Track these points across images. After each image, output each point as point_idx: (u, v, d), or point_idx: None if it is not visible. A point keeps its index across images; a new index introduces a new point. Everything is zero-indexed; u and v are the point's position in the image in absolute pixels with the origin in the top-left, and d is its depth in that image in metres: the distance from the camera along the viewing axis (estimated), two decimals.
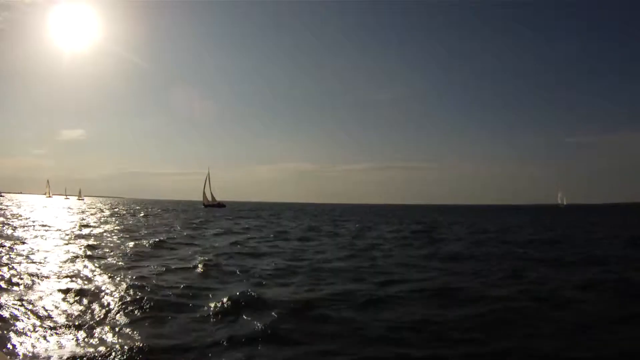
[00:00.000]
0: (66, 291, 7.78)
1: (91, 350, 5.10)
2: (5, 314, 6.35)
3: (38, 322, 6.04)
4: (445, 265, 12.25)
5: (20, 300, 7.07)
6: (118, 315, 6.58)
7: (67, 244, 15.07)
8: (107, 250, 13.88)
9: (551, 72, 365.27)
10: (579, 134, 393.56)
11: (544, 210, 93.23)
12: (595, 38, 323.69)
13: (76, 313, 6.66)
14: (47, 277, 9.11)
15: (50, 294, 7.67)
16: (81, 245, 14.49)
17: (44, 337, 5.49)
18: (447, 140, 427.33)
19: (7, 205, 58.14)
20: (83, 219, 31.25)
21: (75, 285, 8.31)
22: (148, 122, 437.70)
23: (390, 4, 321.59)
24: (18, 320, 6.12)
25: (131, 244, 15.65)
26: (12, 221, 26.26)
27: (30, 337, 5.49)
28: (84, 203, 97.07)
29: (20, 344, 5.21)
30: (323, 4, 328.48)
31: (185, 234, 21.55)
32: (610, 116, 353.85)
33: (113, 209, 60.38)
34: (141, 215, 41.84)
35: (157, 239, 17.12)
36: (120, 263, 11.51)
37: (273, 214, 53.27)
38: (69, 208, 57.40)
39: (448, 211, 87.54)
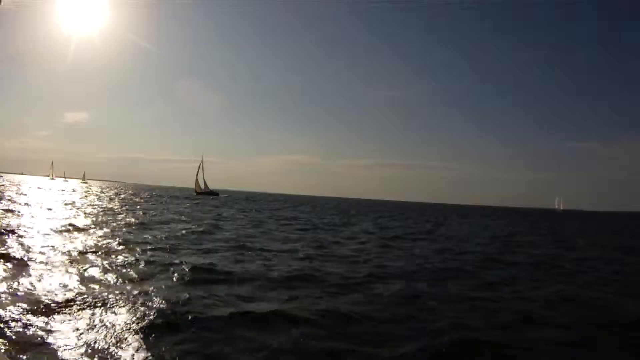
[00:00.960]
0: None
1: None
2: None
3: None
4: None
5: None
6: None
7: None
8: None
9: (554, 77, 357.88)
10: (580, 140, 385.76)
11: (539, 215, 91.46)
12: (598, 44, 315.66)
13: None
14: None
15: None
16: None
17: None
18: (448, 141, 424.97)
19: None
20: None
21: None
22: (152, 108, 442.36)
23: (394, 4, 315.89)
24: None
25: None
26: None
27: None
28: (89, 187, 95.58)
29: None
30: (327, 4, 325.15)
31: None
32: (612, 123, 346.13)
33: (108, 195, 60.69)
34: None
35: None
36: None
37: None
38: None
39: (432, 210, 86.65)
